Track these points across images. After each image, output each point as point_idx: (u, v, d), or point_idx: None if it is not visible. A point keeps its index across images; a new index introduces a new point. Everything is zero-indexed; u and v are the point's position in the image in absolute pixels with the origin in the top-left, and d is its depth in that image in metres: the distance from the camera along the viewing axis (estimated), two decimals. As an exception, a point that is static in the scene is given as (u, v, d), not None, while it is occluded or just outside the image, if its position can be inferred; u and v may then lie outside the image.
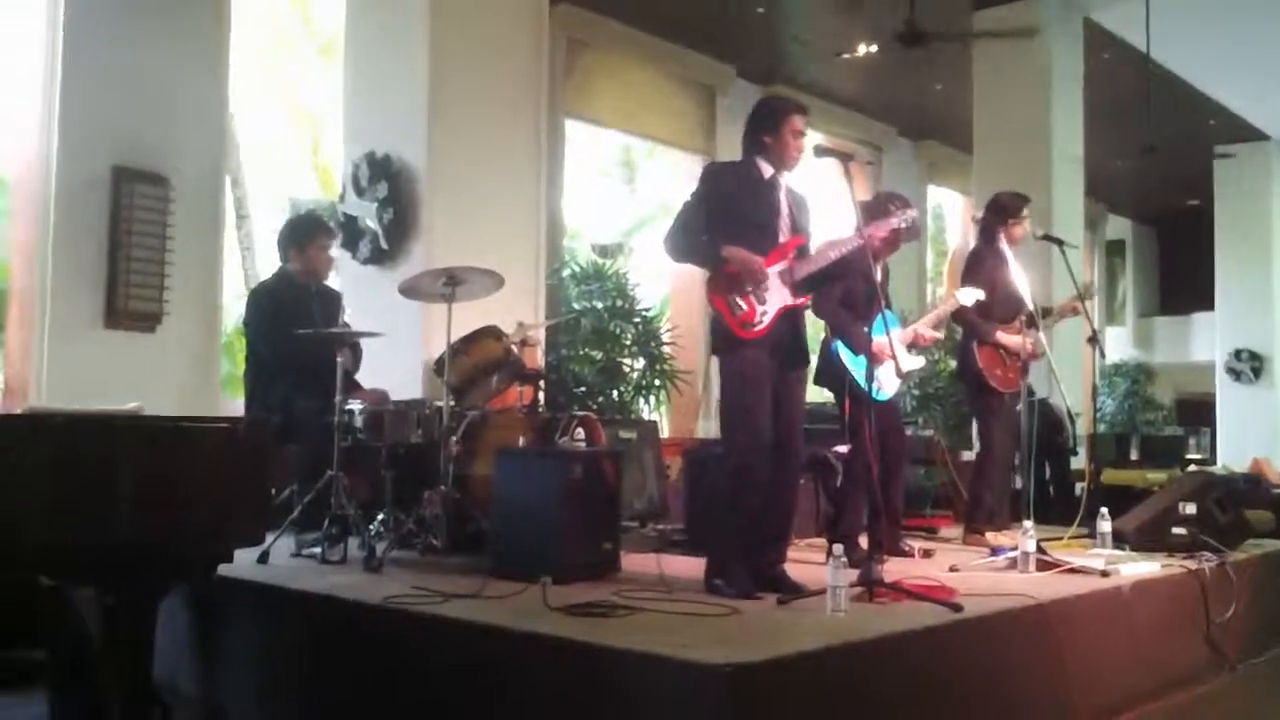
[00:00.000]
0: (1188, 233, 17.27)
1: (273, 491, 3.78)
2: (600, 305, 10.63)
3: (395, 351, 5.93)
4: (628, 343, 10.47)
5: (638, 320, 10.40)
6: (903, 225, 4.63)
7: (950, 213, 16.41)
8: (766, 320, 4.15)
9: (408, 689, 3.48)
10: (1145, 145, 10.18)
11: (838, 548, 3.73)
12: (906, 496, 6.83)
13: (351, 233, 6.87)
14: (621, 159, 18.01)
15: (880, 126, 14.44)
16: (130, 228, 7.15)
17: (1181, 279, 18.60)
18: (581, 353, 10.24)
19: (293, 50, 14.87)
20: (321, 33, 14.36)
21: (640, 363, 10.43)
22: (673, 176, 12.74)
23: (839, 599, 3.64)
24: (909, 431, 8.16)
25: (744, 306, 4.14)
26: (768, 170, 4.29)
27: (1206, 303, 16.15)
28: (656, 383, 9.80)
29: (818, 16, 11.27)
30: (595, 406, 9.54)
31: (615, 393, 10.32)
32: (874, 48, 11.86)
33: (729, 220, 4.22)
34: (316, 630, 3.81)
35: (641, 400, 10.33)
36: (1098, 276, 18.55)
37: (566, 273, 10.81)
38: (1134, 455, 9.89)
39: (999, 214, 6.04)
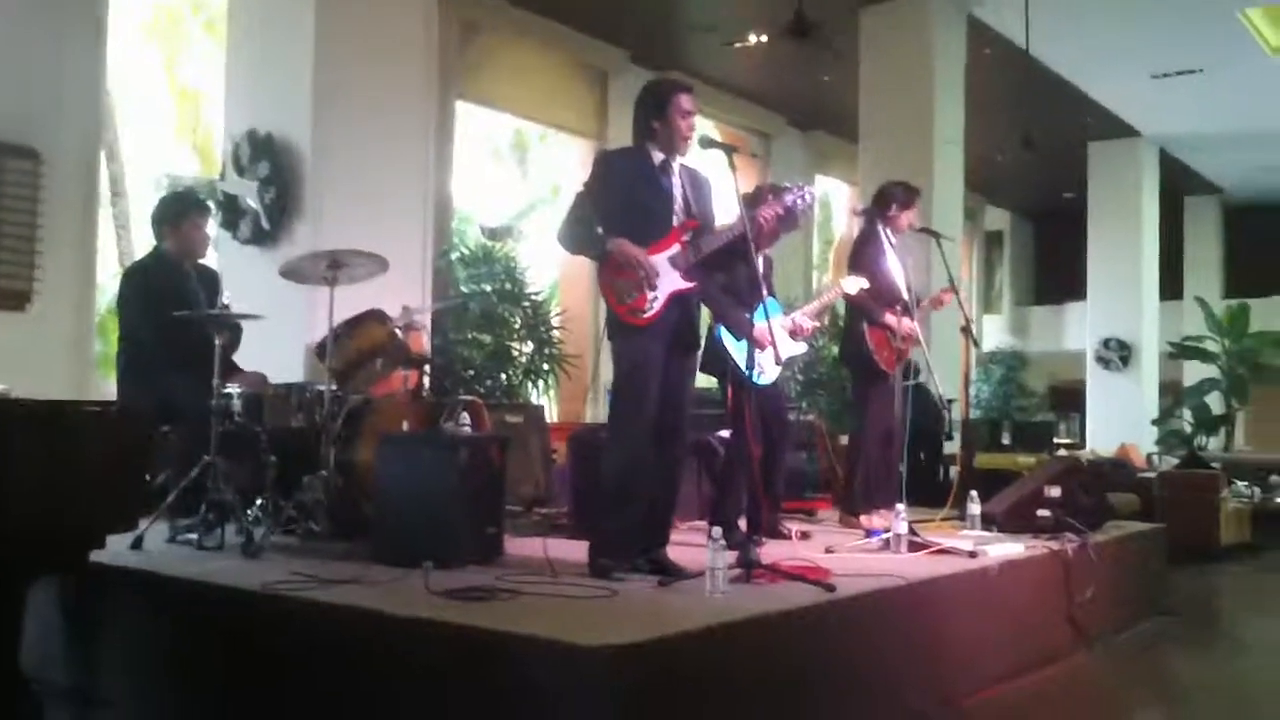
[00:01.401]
0: (1063, 225, 17.85)
1: (148, 477, 3.68)
2: (489, 289, 10.60)
3: (277, 334, 5.80)
4: (516, 326, 10.47)
5: (526, 304, 10.39)
6: (796, 204, 4.63)
7: (837, 202, 16.70)
8: (656, 306, 4.19)
9: (287, 675, 3.45)
10: (1023, 138, 10.48)
11: (717, 530, 3.80)
12: (787, 480, 6.98)
13: (232, 212, 6.74)
14: (514, 142, 17.92)
15: (770, 115, 14.62)
16: (0, 203, 6.93)
17: (1056, 269, 19.24)
18: (470, 336, 10.21)
19: (176, 25, 14.47)
20: (208, 6, 13.99)
21: (529, 347, 10.43)
22: (564, 160, 12.74)
23: (718, 580, 3.71)
24: (792, 417, 8.34)
25: (634, 294, 4.18)
26: (658, 155, 4.33)
27: (1080, 293, 16.73)
28: (545, 367, 9.81)
29: (709, 4, 11.35)
30: (482, 391, 9.53)
31: (504, 377, 10.32)
32: (764, 38, 12.03)
33: (621, 209, 4.25)
34: (193, 617, 3.75)
35: (530, 384, 10.34)
36: (976, 266, 19.10)
37: (455, 255, 10.75)
38: (1006, 440, 10.25)
39: (883, 204, 6.18)
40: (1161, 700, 5.02)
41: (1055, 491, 5.83)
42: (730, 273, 4.84)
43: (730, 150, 4.27)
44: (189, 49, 14.39)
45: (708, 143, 4.34)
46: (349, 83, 6.79)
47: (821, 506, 6.90)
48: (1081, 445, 14.53)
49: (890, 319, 5.90)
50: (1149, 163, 15.77)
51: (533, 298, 10.25)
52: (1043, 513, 5.77)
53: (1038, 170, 16.33)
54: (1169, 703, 4.99)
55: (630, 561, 4.10)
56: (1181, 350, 15.35)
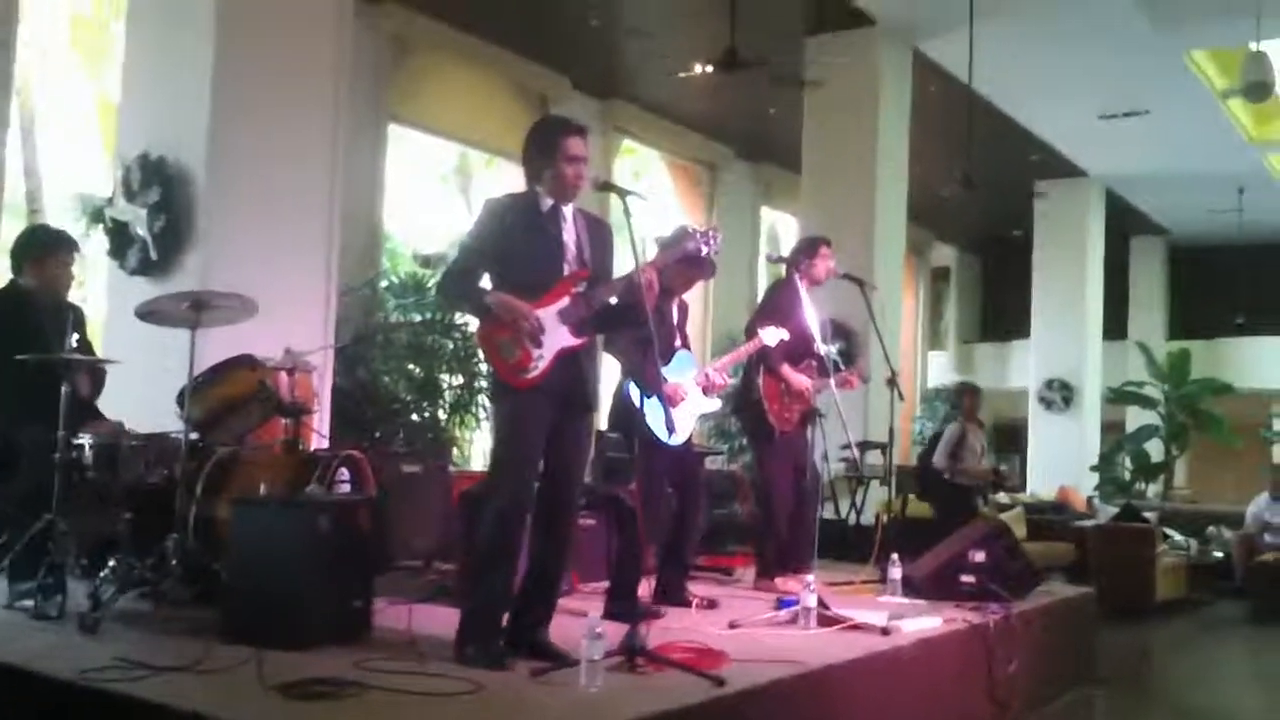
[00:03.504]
0: (1010, 262, 17.72)
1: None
2: (419, 318, 10.21)
3: (158, 378, 5.38)
4: (446, 358, 10.09)
5: (457, 335, 10.02)
6: (697, 250, 4.29)
7: (786, 235, 16.46)
8: (542, 365, 3.83)
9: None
10: (963, 177, 10.29)
11: (594, 619, 3.43)
12: (708, 534, 6.65)
13: (120, 240, 6.29)
14: (458, 167, 17.50)
15: (717, 147, 14.39)
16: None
17: (1003, 306, 19.12)
18: (395, 367, 9.81)
19: (101, 32, 13.92)
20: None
21: (459, 379, 10.05)
22: (511, 186, 12.37)
23: (594, 675, 3.35)
24: (715, 465, 8.02)
25: (517, 353, 3.82)
26: (547, 201, 3.99)
27: (1025, 331, 16.57)
28: (474, 401, 9.45)
29: (652, 33, 11.07)
30: (404, 426, 9.15)
31: (431, 411, 9.92)
32: (709, 68, 11.77)
33: (507, 258, 3.90)
34: (5, 701, 3.34)
35: (458, 420, 9.96)
36: (923, 302, 18.92)
37: (384, 284, 10.35)
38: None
39: (798, 253, 5.93)
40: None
41: (980, 556, 5.55)
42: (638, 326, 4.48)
43: (625, 194, 3.92)
44: (113, 59, 13.86)
45: (601, 185, 4.02)
46: (249, 103, 6.36)
47: (739, 564, 6.56)
48: (1021, 487, 14.35)
49: (787, 371, 5.63)
50: (1095, 202, 15.66)
51: (464, 329, 9.89)
52: (966, 578, 5.49)
53: (985, 207, 16.21)
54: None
55: (500, 649, 3.71)
56: (1121, 396, 15.22)
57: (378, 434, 8.61)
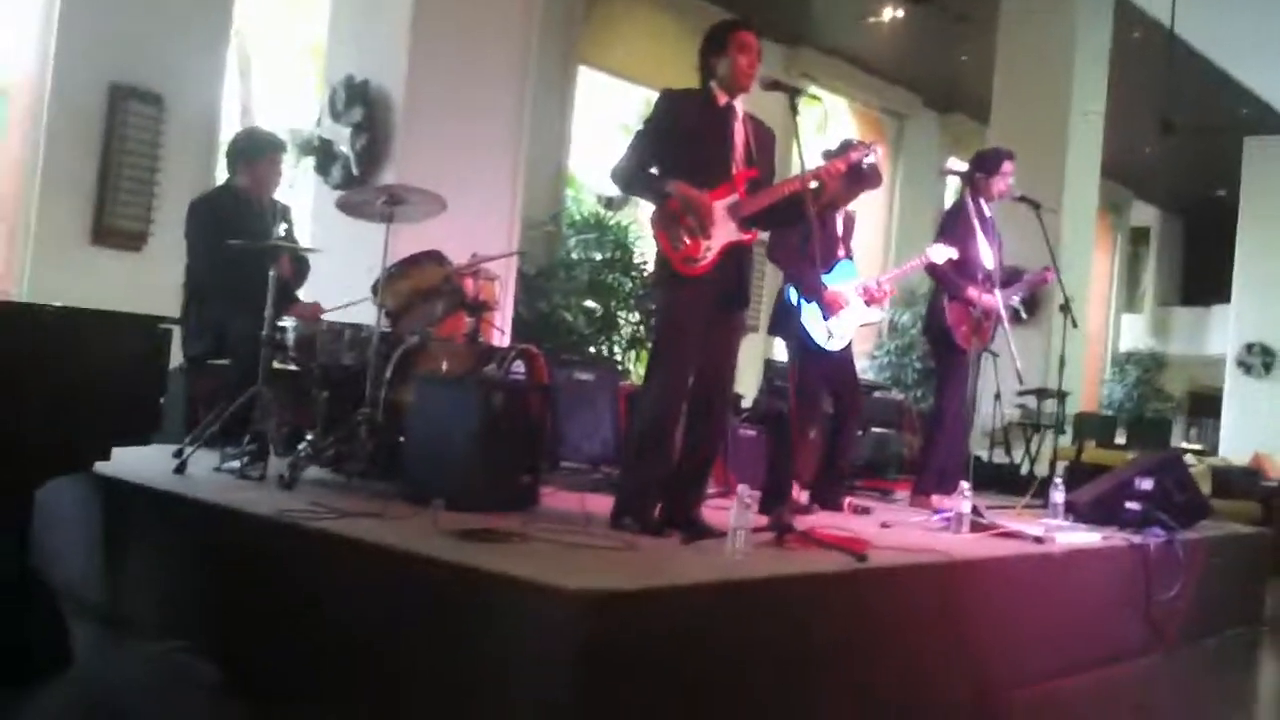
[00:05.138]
0: (1214, 223, 16.92)
1: (163, 394, 3.65)
2: (599, 256, 10.53)
3: (357, 274, 5.82)
4: (624, 295, 10.38)
5: (635, 274, 10.30)
6: (861, 162, 4.41)
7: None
8: (710, 256, 4.00)
9: (295, 598, 3.42)
10: (1162, 122, 9.90)
11: (743, 488, 3.61)
12: (873, 459, 6.73)
13: (325, 157, 6.80)
14: (645, 113, 17.73)
15: (905, 95, 14.20)
16: (123, 146, 7.17)
17: (1205, 270, 18.28)
18: (574, 302, 10.16)
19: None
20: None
21: (635, 317, 10.34)
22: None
23: (738, 541, 3.54)
24: (879, 395, 8.06)
25: (687, 242, 4.00)
26: (723, 97, 4.15)
27: (1227, 296, 15.86)
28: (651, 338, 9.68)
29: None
30: (577, 355, 9.47)
31: (608, 346, 10.24)
32: (900, 12, 11.67)
33: (680, 151, 4.08)
34: (211, 540, 3.75)
35: (634, 354, 10.25)
36: (1119, 262, 18.26)
37: (567, 222, 10.72)
38: (1119, 439, 9.75)
39: (979, 168, 5.85)
40: (1233, 711, 4.64)
41: (1146, 484, 5.46)
42: (806, 228, 4.61)
43: (796, 92, 4.06)
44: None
45: (769, 84, 4.15)
46: (445, 33, 6.78)
47: (901, 488, 6.62)
48: (1213, 451, 13.78)
49: (972, 292, 5.59)
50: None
51: (642, 268, 10.15)
52: (1131, 505, 5.42)
53: (1190, 164, 15.52)
54: (1240, 713, 4.61)
55: (656, 520, 3.94)
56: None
57: (557, 362, 8.96)
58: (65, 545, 3.96)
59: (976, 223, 5.49)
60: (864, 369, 12.37)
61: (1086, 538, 4.75)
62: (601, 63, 11.73)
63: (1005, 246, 5.94)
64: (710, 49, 4.17)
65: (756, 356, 9.65)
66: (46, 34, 7.00)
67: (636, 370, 10.52)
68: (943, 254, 5.58)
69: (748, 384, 9.95)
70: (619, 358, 10.16)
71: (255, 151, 5.25)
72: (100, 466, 3.57)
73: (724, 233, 4.03)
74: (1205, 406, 17.39)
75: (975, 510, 4.71)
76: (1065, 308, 5.98)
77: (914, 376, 10.94)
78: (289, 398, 4.84)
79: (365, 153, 6.60)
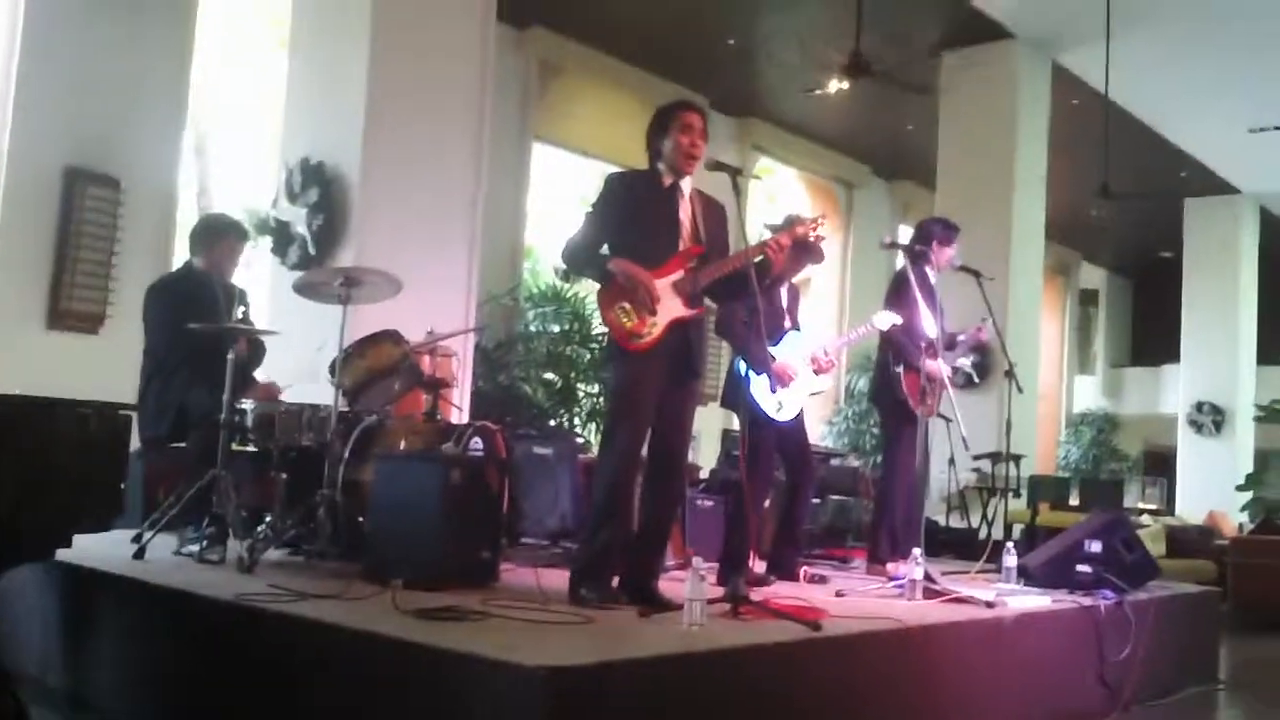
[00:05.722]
0: (1161, 284, 17.31)
1: (124, 481, 3.68)
2: (557, 328, 10.63)
3: (313, 356, 5.86)
4: (583, 367, 10.46)
5: (593, 345, 10.39)
6: (807, 235, 4.54)
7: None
8: (655, 332, 4.12)
9: (257, 682, 3.43)
10: (1101, 186, 10.19)
11: (698, 560, 3.68)
12: (831, 526, 6.81)
13: (282, 238, 6.87)
14: (597, 190, 17.92)
15: (854, 164, 14.53)
16: (80, 229, 7.16)
17: (1154, 330, 18.64)
18: (534, 375, 10.24)
19: (262, 54, 14.77)
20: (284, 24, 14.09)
21: (595, 388, 10.41)
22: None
23: (695, 612, 3.59)
24: (836, 462, 8.16)
25: (633, 318, 4.11)
26: (669, 177, 4.29)
27: (1177, 355, 16.15)
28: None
29: (787, 51, 11.31)
30: (535, 429, 9.51)
31: (568, 417, 10.30)
32: (845, 84, 11.94)
33: (627, 230, 4.21)
34: (172, 625, 3.76)
35: (594, 426, 10.29)
36: (1070, 324, 18.59)
37: (524, 295, 10.82)
38: (1074, 500, 9.89)
39: (921, 240, 6.03)
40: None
41: (1095, 547, 5.55)
42: (753, 301, 4.73)
43: (735, 172, 4.21)
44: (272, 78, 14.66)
45: (713, 165, 4.28)
46: (401, 113, 6.91)
47: (859, 555, 6.69)
48: (1168, 510, 13.98)
49: (927, 362, 5.72)
50: (1248, 219, 15.23)
51: (600, 339, 10.24)
52: (1082, 568, 5.51)
53: (1134, 227, 15.89)
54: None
55: (613, 591, 3.99)
56: (1270, 414, 14.68)
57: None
58: (25, 632, 3.95)
59: (918, 292, 5.64)
60: (822, 435, 12.50)
61: (1038, 601, 4.83)
62: (556, 138, 11.93)
63: (950, 314, 6.09)
64: (655, 130, 4.31)
65: (717, 428, 9.73)
66: (1, 117, 7.03)
67: (596, 441, 10.56)
68: (887, 320, 5.72)
69: (708, 455, 10.03)
70: (579, 429, 10.21)
71: (215, 236, 5.32)
72: (61, 553, 3.59)
73: (670, 308, 4.15)
74: (1161, 465, 17.64)
75: (928, 576, 4.79)
76: (1010, 373, 6.13)
77: (872, 442, 11.06)
78: (248, 478, 4.87)
79: (322, 233, 6.68)
